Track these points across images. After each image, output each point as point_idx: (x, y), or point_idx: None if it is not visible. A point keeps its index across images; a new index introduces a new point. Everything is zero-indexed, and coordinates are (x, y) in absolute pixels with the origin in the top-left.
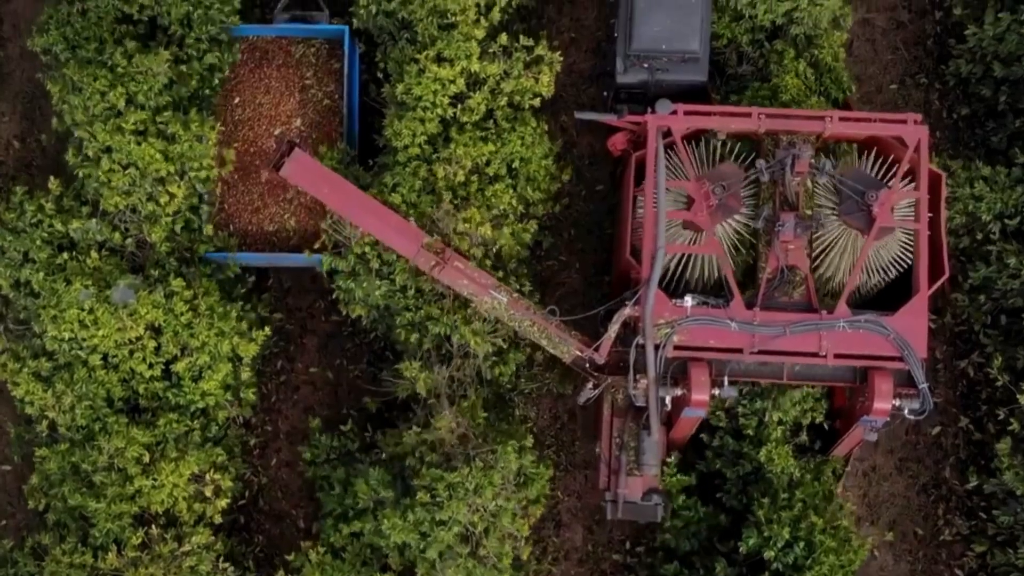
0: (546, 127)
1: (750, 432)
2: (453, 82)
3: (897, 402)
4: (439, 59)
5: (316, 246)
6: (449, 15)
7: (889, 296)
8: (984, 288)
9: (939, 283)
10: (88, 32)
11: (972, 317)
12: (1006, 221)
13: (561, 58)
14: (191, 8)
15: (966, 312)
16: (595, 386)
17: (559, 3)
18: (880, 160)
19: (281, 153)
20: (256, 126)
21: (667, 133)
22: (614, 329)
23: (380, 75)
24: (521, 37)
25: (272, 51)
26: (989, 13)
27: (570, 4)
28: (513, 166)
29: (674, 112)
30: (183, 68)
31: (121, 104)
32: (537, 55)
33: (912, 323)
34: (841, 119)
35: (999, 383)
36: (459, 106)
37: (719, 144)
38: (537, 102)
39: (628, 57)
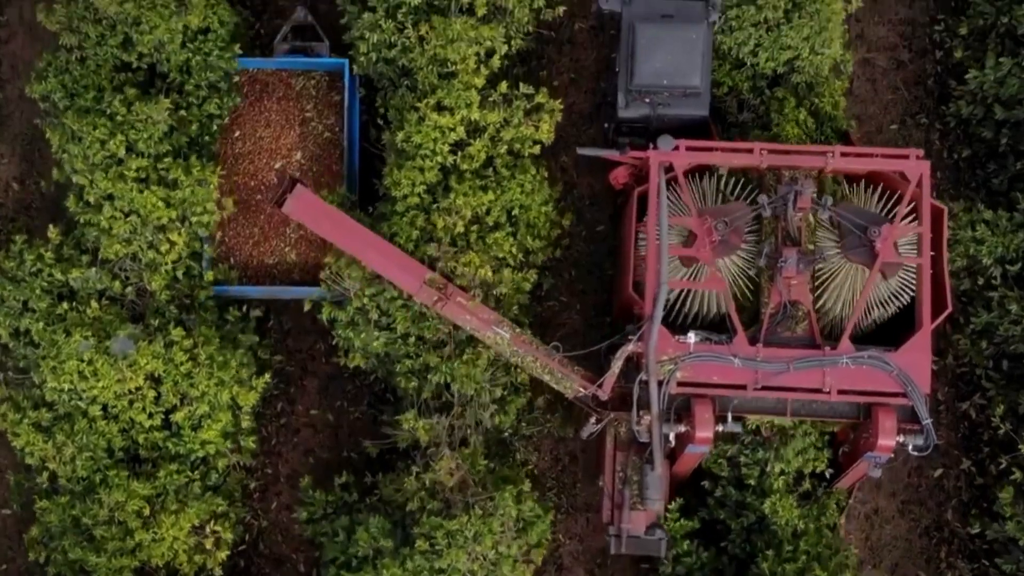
0: (546, 173)
1: (752, 482)
2: (453, 130)
3: (901, 438)
4: (439, 107)
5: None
6: (449, 64)
7: (889, 330)
8: (986, 333)
9: (942, 318)
10: (87, 80)
11: (974, 360)
12: (1007, 266)
13: (561, 105)
14: (191, 55)
15: (968, 355)
16: (598, 421)
17: (558, 44)
18: (882, 194)
19: (283, 189)
20: (256, 159)
21: (669, 168)
22: (617, 365)
23: (380, 121)
24: (521, 85)
25: (272, 84)
26: (990, 57)
27: (570, 45)
28: (513, 214)
29: (676, 148)
30: (183, 114)
31: (121, 152)
32: (537, 103)
33: (915, 359)
34: (843, 154)
35: (1001, 431)
36: (459, 154)
37: (721, 179)
38: (537, 149)
39: (629, 92)
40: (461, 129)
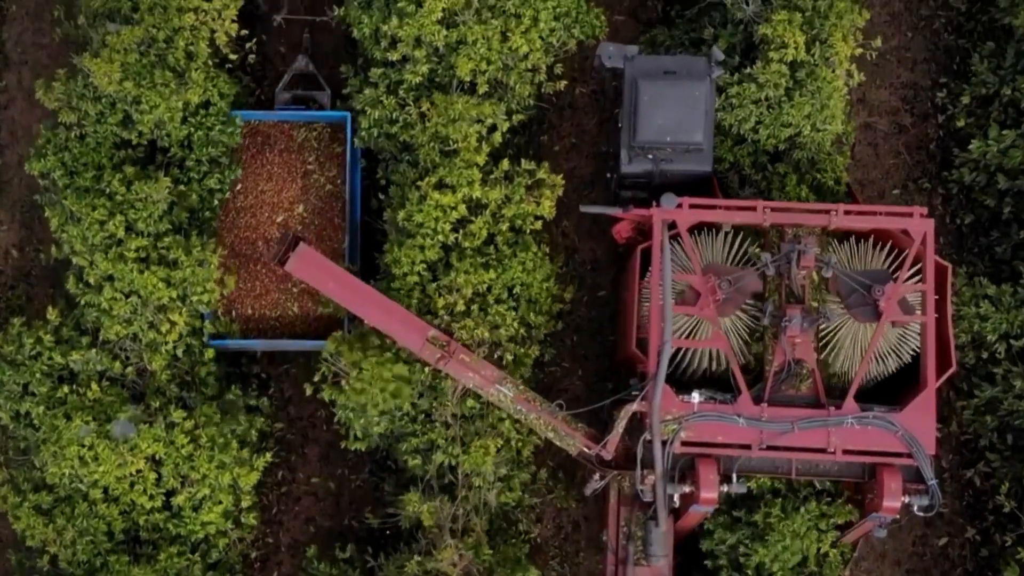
0: (547, 249)
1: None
2: (455, 208)
3: (906, 499)
4: (441, 185)
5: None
6: (451, 141)
7: (890, 385)
8: (990, 407)
9: (946, 376)
10: (86, 158)
11: (978, 432)
12: (1012, 342)
13: (563, 181)
14: (192, 130)
15: (972, 426)
16: (601, 477)
17: (559, 109)
18: (884, 248)
19: (286, 247)
20: (258, 213)
21: (672, 225)
22: (621, 425)
23: (381, 195)
24: (523, 161)
25: (274, 136)
26: (993, 128)
27: (571, 109)
28: (515, 291)
29: (679, 206)
30: (183, 188)
31: (121, 232)
32: (539, 178)
33: (920, 419)
34: (846, 212)
35: (1006, 509)
36: (460, 231)
37: (726, 235)
38: (539, 225)
39: (632, 148)
40: (463, 207)
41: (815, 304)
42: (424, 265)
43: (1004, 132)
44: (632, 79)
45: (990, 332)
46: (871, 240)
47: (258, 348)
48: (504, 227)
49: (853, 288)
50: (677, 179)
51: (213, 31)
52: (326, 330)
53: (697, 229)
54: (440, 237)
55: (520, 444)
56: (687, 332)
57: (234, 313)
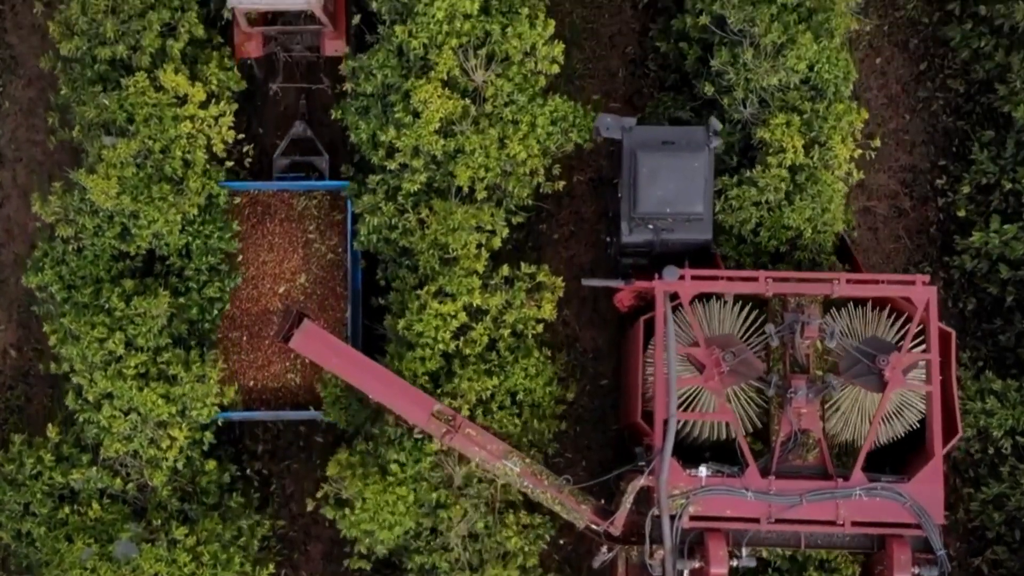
0: (548, 352)
1: None
2: (455, 317)
3: (916, 570)
4: (440, 294)
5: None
6: (450, 250)
7: (893, 451)
8: (997, 502)
9: (952, 443)
10: (84, 271)
11: (986, 524)
12: (1018, 438)
13: (563, 283)
14: (190, 239)
15: (980, 517)
16: (609, 549)
17: (557, 198)
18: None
19: (290, 324)
20: (260, 285)
21: (674, 296)
22: (628, 501)
23: (381, 300)
24: (523, 264)
25: (274, 205)
26: (994, 220)
27: (569, 198)
28: (518, 398)
29: (681, 277)
30: (182, 301)
31: (120, 350)
32: (539, 281)
33: (928, 489)
34: (849, 281)
35: None
36: (461, 338)
37: (727, 305)
38: (540, 328)
39: (633, 219)
40: (463, 315)
41: (819, 373)
42: (427, 377)
43: (1006, 226)
44: (631, 150)
45: (996, 428)
46: (870, 305)
47: (261, 419)
48: (506, 332)
49: (857, 358)
50: (678, 248)
51: (210, 138)
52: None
53: (700, 297)
54: (441, 346)
55: (526, 557)
56: (690, 398)
57: (237, 385)
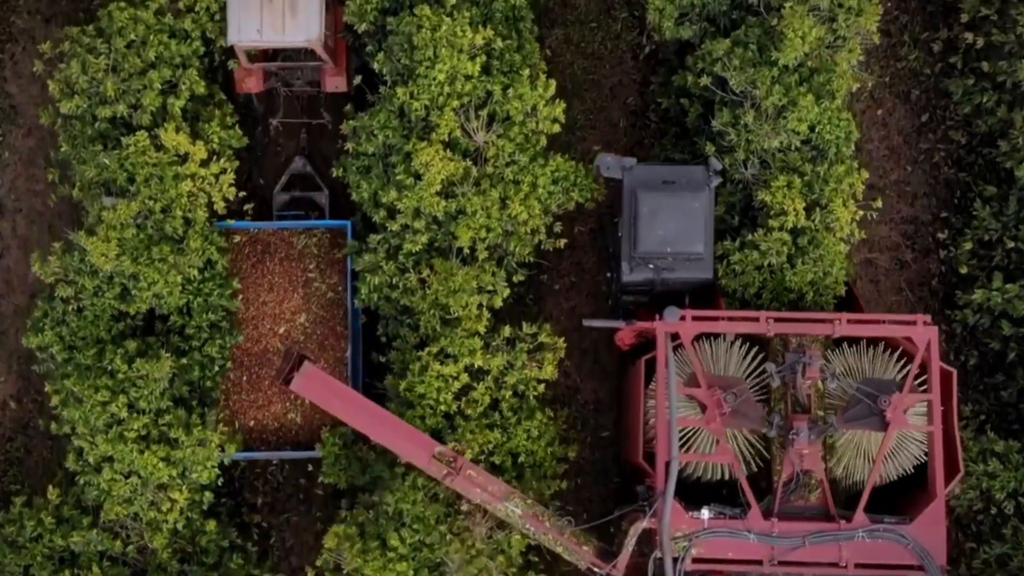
0: (551, 413)
1: None
2: (456, 378)
3: None
4: (442, 355)
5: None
6: (452, 311)
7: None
8: (1000, 563)
9: (954, 482)
10: (85, 331)
11: None
12: (1020, 499)
13: (565, 343)
14: (191, 297)
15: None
16: None
17: (558, 249)
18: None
19: (291, 367)
20: (260, 325)
21: (675, 335)
22: (631, 543)
23: (382, 358)
24: (524, 325)
25: (274, 243)
26: (996, 278)
27: (570, 249)
28: (520, 459)
29: (682, 318)
30: (184, 361)
31: (123, 413)
32: (540, 342)
33: (930, 531)
34: (850, 321)
35: None
36: (463, 399)
37: (728, 343)
38: (542, 389)
39: (633, 259)
40: (465, 376)
41: (820, 413)
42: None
43: (1008, 285)
44: (631, 190)
45: (998, 490)
46: (864, 343)
47: (261, 458)
48: (507, 394)
49: (859, 399)
50: (678, 286)
51: (211, 196)
52: None
53: (702, 335)
54: (443, 407)
55: None
56: (689, 437)
57: (236, 424)
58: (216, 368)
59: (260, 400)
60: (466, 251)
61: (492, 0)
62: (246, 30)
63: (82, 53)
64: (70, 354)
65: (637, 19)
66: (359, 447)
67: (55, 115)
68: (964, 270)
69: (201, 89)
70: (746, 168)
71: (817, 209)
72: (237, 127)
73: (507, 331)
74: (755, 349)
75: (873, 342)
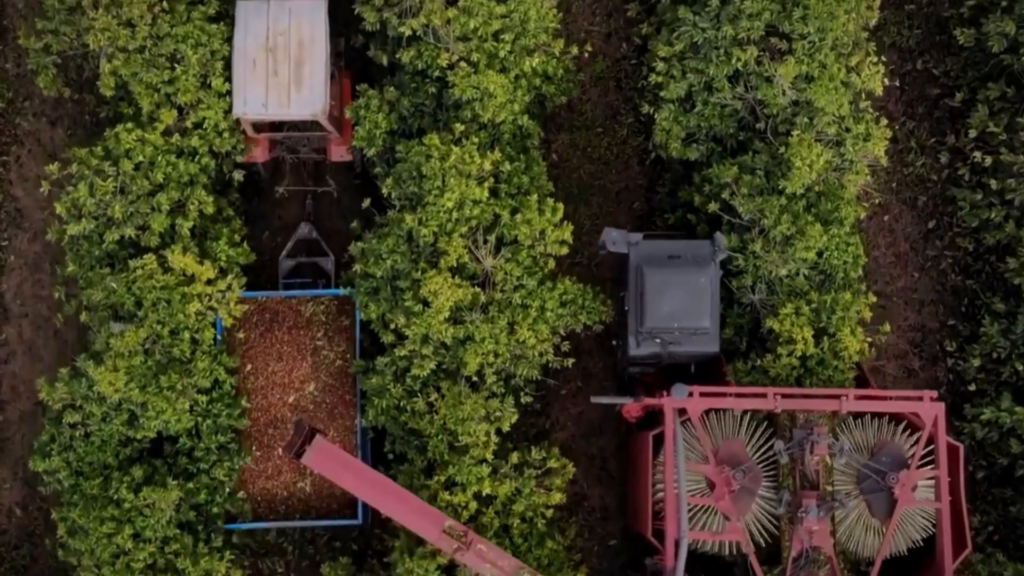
0: (561, 539)
1: None
2: (466, 507)
3: None
4: (450, 483)
5: None
6: (459, 438)
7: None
8: None
9: (961, 557)
10: (92, 457)
11: None
12: None
13: (574, 468)
14: (199, 419)
15: None
16: None
17: (564, 354)
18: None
19: (302, 440)
20: (269, 395)
21: (682, 411)
22: None
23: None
24: (533, 450)
25: (282, 312)
26: (1005, 398)
27: (576, 354)
28: None
29: (690, 394)
30: (191, 485)
31: (129, 544)
32: (549, 467)
33: None
34: (857, 397)
35: None
36: (471, 525)
37: (736, 420)
38: (551, 513)
39: (640, 333)
40: (474, 504)
41: (829, 488)
42: (438, 572)
43: (1017, 408)
44: (637, 265)
45: None
46: (869, 417)
47: (272, 527)
48: (515, 522)
49: (867, 475)
50: (685, 359)
51: (217, 314)
52: (339, 508)
53: (710, 411)
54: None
55: None
56: (696, 512)
57: (247, 493)
58: (227, 491)
59: (269, 470)
60: (474, 377)
61: (500, 122)
62: (252, 103)
63: (89, 175)
64: (76, 480)
65: (643, 124)
66: None
67: (61, 232)
68: (972, 387)
69: (210, 209)
70: (754, 293)
71: (825, 337)
72: (245, 243)
73: (515, 457)
74: (764, 424)
75: (879, 416)
